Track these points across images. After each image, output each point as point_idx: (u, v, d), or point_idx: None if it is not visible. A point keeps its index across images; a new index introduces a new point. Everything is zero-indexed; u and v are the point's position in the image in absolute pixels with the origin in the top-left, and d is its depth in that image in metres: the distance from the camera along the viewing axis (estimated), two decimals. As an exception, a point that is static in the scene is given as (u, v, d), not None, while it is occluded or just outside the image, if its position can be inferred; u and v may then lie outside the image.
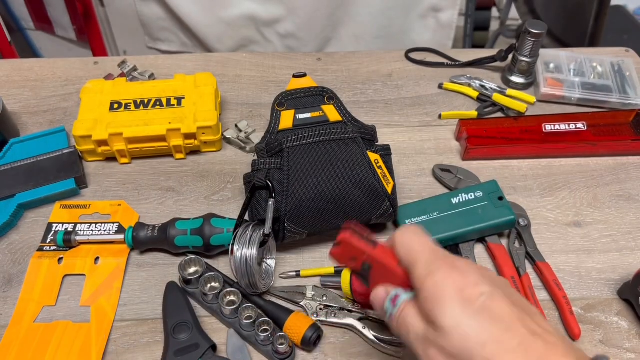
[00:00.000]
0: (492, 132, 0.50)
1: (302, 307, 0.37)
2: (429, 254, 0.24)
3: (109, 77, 0.55)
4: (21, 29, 0.85)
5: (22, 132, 0.51)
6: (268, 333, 0.35)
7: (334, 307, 0.37)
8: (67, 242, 0.40)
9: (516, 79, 0.57)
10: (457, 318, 0.21)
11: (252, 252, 0.36)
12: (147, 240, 0.39)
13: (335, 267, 0.39)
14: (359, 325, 0.36)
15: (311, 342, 0.34)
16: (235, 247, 0.37)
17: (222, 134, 0.50)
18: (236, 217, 0.39)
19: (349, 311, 0.37)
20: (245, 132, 0.50)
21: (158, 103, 0.49)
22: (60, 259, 0.40)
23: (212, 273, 0.38)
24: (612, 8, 0.74)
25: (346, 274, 0.37)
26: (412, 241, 0.25)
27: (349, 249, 0.27)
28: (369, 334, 0.35)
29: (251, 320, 0.35)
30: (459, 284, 0.22)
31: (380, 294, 0.26)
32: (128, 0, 0.70)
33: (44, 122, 0.52)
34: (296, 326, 0.35)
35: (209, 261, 0.40)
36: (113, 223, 0.42)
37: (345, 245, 0.27)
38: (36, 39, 0.86)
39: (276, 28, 0.69)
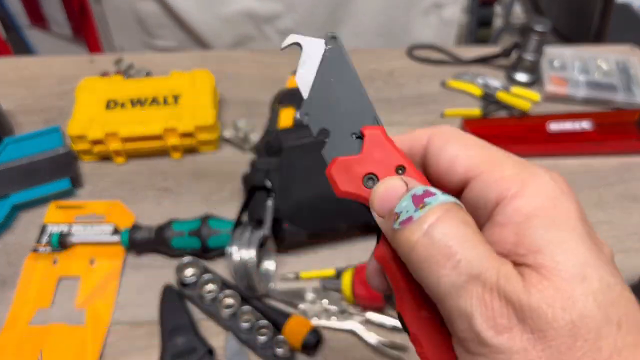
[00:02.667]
0: (496, 131, 0.49)
1: (301, 310, 0.37)
2: (506, 154, 0.15)
3: (104, 74, 0.54)
4: (16, 27, 0.84)
5: (17, 132, 0.50)
6: (267, 337, 0.34)
7: (334, 310, 0.36)
8: (62, 244, 0.39)
9: (520, 76, 0.56)
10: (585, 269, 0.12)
11: (250, 254, 0.35)
12: (143, 242, 0.39)
13: (336, 269, 0.38)
14: (360, 328, 0.35)
15: (311, 346, 0.34)
16: (234, 249, 0.36)
17: (220, 133, 0.49)
18: (234, 218, 0.38)
19: (350, 314, 0.36)
20: (244, 131, 0.49)
21: (155, 101, 0.48)
22: (55, 261, 0.39)
23: (210, 275, 0.37)
24: (617, 5, 0.73)
25: (347, 276, 0.36)
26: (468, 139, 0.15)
27: (374, 157, 0.16)
28: (371, 338, 0.35)
29: (250, 324, 0.35)
30: (577, 206, 0.13)
31: (396, 184, 0.15)
32: (125, -3, 0.70)
33: (39, 121, 0.51)
34: (296, 330, 0.34)
35: (207, 263, 0.39)
36: (109, 224, 0.41)
37: (374, 147, 0.16)
38: (31, 36, 0.85)
39: (275, 24, 0.68)
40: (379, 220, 0.15)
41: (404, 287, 0.15)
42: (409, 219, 0.14)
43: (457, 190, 0.15)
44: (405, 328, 0.15)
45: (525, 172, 0.14)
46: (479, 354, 0.12)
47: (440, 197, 0.14)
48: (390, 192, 0.15)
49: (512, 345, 0.12)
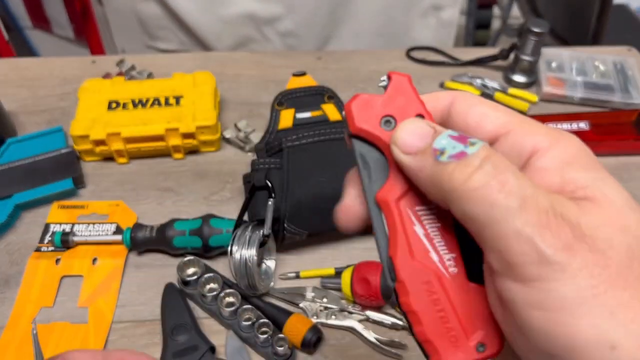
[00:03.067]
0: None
1: (301, 308, 0.37)
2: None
3: (107, 76, 0.54)
4: (18, 28, 0.84)
5: (20, 132, 0.50)
6: (267, 335, 0.34)
7: (334, 308, 0.37)
8: (65, 243, 0.40)
9: (518, 77, 0.56)
10: None
11: (251, 253, 0.36)
12: (145, 241, 0.39)
13: (335, 268, 0.39)
14: (359, 327, 0.36)
15: (311, 344, 0.34)
16: (235, 248, 0.36)
17: (221, 134, 0.49)
18: (235, 218, 0.39)
19: (350, 313, 0.36)
20: (245, 132, 0.49)
21: (156, 102, 0.49)
22: (57, 260, 0.39)
23: (211, 274, 0.38)
24: (614, 7, 0.74)
25: (346, 275, 0.37)
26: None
27: (396, 101, 0.16)
28: (370, 335, 0.35)
29: (250, 322, 0.35)
30: None
31: (423, 125, 0.15)
32: (126, -1, 0.70)
33: (41, 122, 0.51)
34: (296, 328, 0.34)
35: (208, 262, 0.39)
36: (111, 223, 0.42)
37: (398, 92, 0.16)
38: (33, 37, 0.85)
39: (275, 26, 0.69)
40: (402, 156, 0.15)
41: (402, 232, 0.15)
42: (462, 153, 0.13)
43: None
44: (392, 276, 0.15)
45: (555, 131, 0.15)
46: (536, 278, 0.12)
47: (480, 140, 0.14)
48: (419, 130, 0.15)
49: (574, 262, 0.12)
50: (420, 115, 0.15)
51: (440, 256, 0.15)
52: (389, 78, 0.16)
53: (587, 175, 0.14)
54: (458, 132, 0.14)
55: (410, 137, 0.15)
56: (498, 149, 0.15)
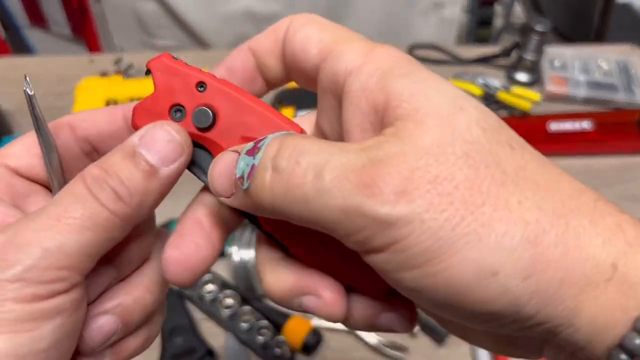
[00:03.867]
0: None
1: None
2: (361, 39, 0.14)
3: (104, 74, 0.54)
4: (15, 26, 0.83)
5: (16, 131, 0.50)
6: (267, 337, 0.34)
7: (334, 310, 0.36)
8: (62, 244, 0.39)
9: (521, 76, 0.56)
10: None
11: (250, 254, 0.35)
12: (143, 242, 0.39)
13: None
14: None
15: (311, 347, 0.34)
16: (234, 249, 0.36)
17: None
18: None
19: (350, 315, 0.36)
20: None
21: (154, 101, 0.48)
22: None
23: (210, 276, 0.37)
24: (618, 5, 0.73)
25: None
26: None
27: (169, 85, 0.14)
28: (371, 338, 0.35)
29: (250, 324, 0.35)
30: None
31: (226, 157, 0.13)
32: (125, -4, 0.70)
33: (38, 121, 0.51)
34: (296, 330, 0.34)
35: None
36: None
37: (166, 77, 0.14)
38: (30, 36, 0.85)
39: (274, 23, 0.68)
40: (227, 201, 0.13)
41: (296, 242, 0.13)
42: (252, 168, 0.12)
43: (316, 75, 0.14)
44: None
45: (369, 44, 0.13)
46: (390, 243, 0.10)
47: (271, 135, 0.12)
48: (224, 168, 0.13)
49: (415, 207, 0.10)
50: (201, 83, 0.14)
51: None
52: (149, 67, 0.14)
53: (409, 82, 0.12)
54: (254, 143, 0.12)
55: (219, 181, 0.13)
56: (322, 78, 0.14)
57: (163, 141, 0.13)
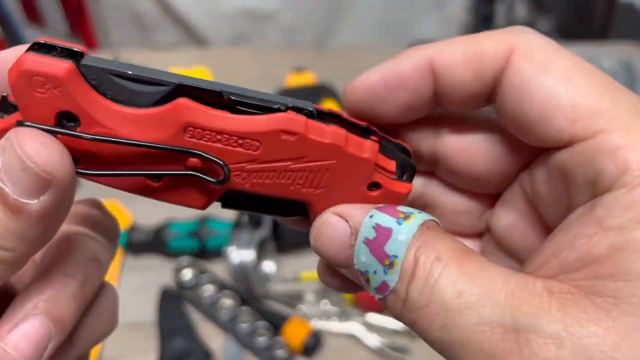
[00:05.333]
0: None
1: (301, 311, 0.36)
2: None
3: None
4: (12, 24, 0.83)
5: (13, 130, 0.49)
6: (266, 339, 0.34)
7: (334, 311, 0.36)
8: (59, 244, 0.39)
9: (522, 75, 0.55)
10: None
11: (250, 254, 0.35)
12: (141, 244, 0.38)
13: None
14: (360, 330, 0.35)
15: (311, 349, 0.33)
16: (233, 250, 0.35)
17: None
18: (233, 219, 0.38)
19: (350, 316, 0.36)
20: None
21: (152, 100, 0.47)
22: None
23: (209, 277, 0.37)
24: (620, 4, 0.72)
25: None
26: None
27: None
28: (371, 339, 0.34)
29: (249, 326, 0.34)
30: None
31: (334, 226, 0.11)
32: (122, -7, 0.69)
33: (35, 119, 0.50)
34: (295, 332, 0.34)
35: (205, 264, 0.39)
36: (106, 224, 0.41)
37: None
38: (27, 33, 0.84)
39: (274, 22, 0.68)
40: (339, 267, 0.11)
41: None
42: (384, 285, 0.10)
43: (550, 146, 0.10)
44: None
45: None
46: None
47: (403, 238, 0.10)
48: (336, 241, 0.10)
49: None
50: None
51: None
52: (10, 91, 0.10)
53: None
54: (374, 224, 0.10)
55: (329, 251, 0.11)
56: (567, 160, 0.10)
57: (17, 171, 0.10)
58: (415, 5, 0.69)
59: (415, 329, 0.10)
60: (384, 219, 0.10)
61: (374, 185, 0.11)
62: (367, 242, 0.10)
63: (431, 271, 0.09)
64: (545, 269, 0.10)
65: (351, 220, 0.10)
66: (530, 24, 0.53)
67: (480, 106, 0.11)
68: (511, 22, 0.80)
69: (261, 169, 0.11)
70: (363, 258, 0.10)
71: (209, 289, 0.37)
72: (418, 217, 0.10)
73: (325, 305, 0.36)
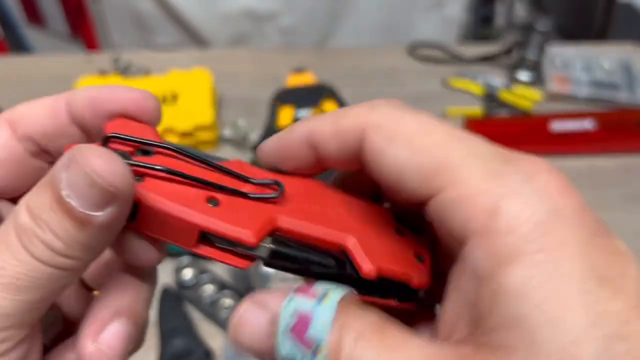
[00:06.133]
0: (498, 130, 0.49)
1: (301, 311, 0.36)
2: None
3: (102, 73, 0.53)
4: (13, 25, 0.83)
5: (14, 130, 0.49)
6: (266, 339, 0.34)
7: (334, 311, 0.36)
8: (59, 244, 0.39)
9: (522, 75, 0.55)
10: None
11: (249, 255, 0.35)
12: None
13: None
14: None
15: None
16: (233, 250, 0.35)
17: (219, 133, 0.48)
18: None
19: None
20: (243, 130, 0.48)
21: (153, 100, 0.48)
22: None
23: (209, 276, 0.37)
24: (620, 4, 0.73)
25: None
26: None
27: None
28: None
29: (249, 326, 0.34)
30: (578, 230, 0.09)
31: (248, 314, 0.11)
32: (123, -6, 0.69)
33: (36, 120, 0.50)
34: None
35: (205, 264, 0.39)
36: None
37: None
38: (28, 35, 0.84)
39: (275, 22, 0.68)
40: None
41: None
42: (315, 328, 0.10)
43: (418, 205, 0.11)
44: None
45: (498, 186, 0.09)
46: None
47: (323, 322, 0.10)
48: (253, 327, 0.10)
49: None
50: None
51: None
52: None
53: (525, 304, 0.08)
54: (294, 311, 0.10)
55: (246, 344, 0.11)
56: (431, 218, 0.11)
57: (84, 187, 0.10)
58: (414, 6, 0.69)
59: None
60: (302, 303, 0.10)
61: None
62: (290, 329, 0.10)
63: (355, 351, 0.09)
64: (456, 332, 0.10)
65: (269, 308, 0.11)
66: (530, 24, 0.53)
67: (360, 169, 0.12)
68: (511, 22, 0.80)
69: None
70: (287, 346, 0.10)
71: (209, 289, 0.37)
72: (335, 294, 0.10)
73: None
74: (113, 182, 0.10)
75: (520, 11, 0.84)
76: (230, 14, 0.66)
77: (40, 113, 0.13)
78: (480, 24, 0.77)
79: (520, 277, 0.09)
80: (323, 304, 0.10)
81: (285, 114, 0.43)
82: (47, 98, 0.13)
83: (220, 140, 0.49)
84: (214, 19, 0.67)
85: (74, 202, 0.10)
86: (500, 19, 0.80)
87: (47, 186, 0.11)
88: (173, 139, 0.46)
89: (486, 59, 0.57)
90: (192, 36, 0.69)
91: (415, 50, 0.59)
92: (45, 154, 0.13)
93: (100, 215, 0.10)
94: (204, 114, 0.47)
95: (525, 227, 0.09)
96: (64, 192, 0.10)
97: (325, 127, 0.12)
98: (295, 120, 0.42)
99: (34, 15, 0.83)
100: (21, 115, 0.13)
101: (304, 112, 0.43)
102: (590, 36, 0.74)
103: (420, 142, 0.11)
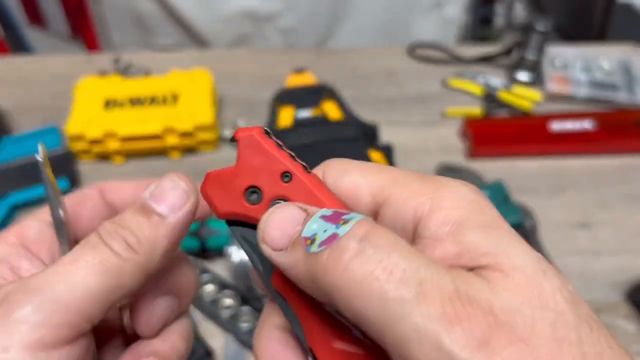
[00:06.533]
0: (498, 131, 0.49)
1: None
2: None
3: (103, 74, 0.54)
4: (13, 26, 0.83)
5: (15, 131, 0.50)
6: (267, 338, 0.34)
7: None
8: (60, 244, 0.39)
9: (522, 75, 0.55)
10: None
11: (250, 255, 0.35)
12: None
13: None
14: (360, 330, 0.35)
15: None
16: (233, 249, 0.36)
17: (219, 133, 0.48)
18: (234, 219, 0.38)
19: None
20: (244, 131, 0.48)
21: (153, 101, 0.48)
22: (53, 262, 0.39)
23: (209, 276, 0.37)
24: (619, 5, 0.73)
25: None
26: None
27: (254, 164, 0.13)
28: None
29: (249, 325, 0.34)
30: (496, 210, 0.13)
31: (292, 210, 0.12)
32: (124, -5, 0.69)
33: (37, 121, 0.50)
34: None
35: (206, 263, 0.39)
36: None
37: (253, 154, 0.13)
38: (29, 35, 0.85)
39: (275, 23, 0.68)
40: (274, 255, 0.12)
41: (314, 317, 0.12)
42: (333, 236, 0.11)
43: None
44: None
45: (433, 184, 0.12)
46: None
47: (357, 214, 0.11)
48: (287, 220, 0.12)
49: None
50: (287, 173, 0.13)
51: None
52: (236, 138, 0.13)
53: (486, 238, 0.11)
54: (332, 210, 0.12)
55: (276, 230, 0.12)
56: (383, 223, 0.13)
57: (168, 190, 0.14)
58: (414, 7, 0.69)
59: (356, 288, 0.10)
60: (338, 209, 0.12)
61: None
62: (323, 217, 0.12)
63: (387, 235, 0.11)
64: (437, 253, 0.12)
65: (308, 209, 0.12)
66: (529, 24, 0.53)
67: None
68: (510, 23, 0.80)
69: None
70: (314, 226, 0.11)
71: (209, 288, 0.37)
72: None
73: (326, 304, 0.36)
74: (191, 188, 0.14)
75: (520, 12, 0.84)
76: (231, 14, 0.66)
77: (126, 188, 0.16)
78: (480, 24, 0.78)
79: (483, 239, 0.12)
80: (357, 213, 0.12)
81: (285, 114, 0.43)
82: (135, 180, 0.17)
83: (220, 141, 0.49)
84: (215, 19, 0.67)
85: (155, 206, 0.14)
86: (499, 19, 0.81)
87: (130, 205, 0.14)
88: (173, 139, 0.46)
89: (486, 60, 0.57)
90: (193, 37, 0.69)
91: (415, 50, 0.59)
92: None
93: (173, 216, 0.14)
94: (204, 114, 0.47)
95: (464, 202, 0.12)
96: (148, 201, 0.14)
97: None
98: (295, 120, 0.43)
99: (35, 15, 0.83)
100: (111, 187, 0.16)
101: (304, 113, 0.43)
102: (589, 36, 0.74)
103: (366, 168, 0.13)
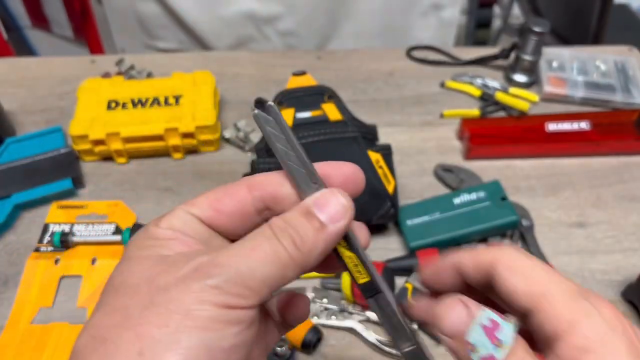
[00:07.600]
0: (495, 132, 0.50)
1: (301, 309, 0.37)
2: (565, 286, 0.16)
3: (106, 75, 0.54)
4: (17, 27, 0.84)
5: (18, 132, 0.50)
6: (267, 335, 0.34)
7: (334, 309, 0.37)
8: (64, 243, 0.39)
9: (519, 77, 0.56)
10: None
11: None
12: (144, 241, 0.39)
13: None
14: (360, 327, 0.36)
15: (311, 344, 0.34)
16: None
17: (221, 133, 0.49)
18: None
19: (350, 313, 0.36)
20: (244, 132, 0.49)
21: (156, 102, 0.48)
22: (57, 260, 0.39)
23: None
24: (615, 6, 0.74)
25: (347, 276, 0.37)
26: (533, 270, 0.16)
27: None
28: (371, 336, 0.35)
29: None
30: (626, 343, 0.15)
31: (455, 305, 0.16)
32: (126, -2, 0.70)
33: (40, 122, 0.51)
34: (296, 328, 0.34)
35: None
36: (110, 224, 0.41)
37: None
38: (33, 37, 0.85)
39: (275, 25, 0.69)
40: (442, 336, 0.16)
41: None
42: (491, 357, 0.15)
43: (522, 315, 0.16)
44: None
45: (578, 310, 0.15)
46: None
47: (509, 333, 0.15)
48: (455, 315, 0.16)
49: None
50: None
51: None
52: None
53: None
54: (490, 317, 0.15)
55: (450, 323, 0.16)
56: (530, 324, 0.16)
57: (332, 204, 0.16)
58: (412, 10, 0.70)
59: None
60: (496, 316, 0.16)
61: None
62: (482, 327, 0.15)
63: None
64: None
65: (469, 307, 0.16)
66: (526, 26, 0.54)
67: None
68: (507, 25, 0.81)
69: None
70: (477, 334, 0.15)
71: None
72: (512, 324, 0.16)
73: (325, 302, 0.37)
74: (350, 205, 0.16)
75: (517, 14, 0.85)
76: (232, 17, 0.67)
77: (274, 181, 0.17)
78: (478, 26, 0.78)
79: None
80: (508, 323, 0.15)
81: (286, 116, 0.44)
82: (277, 171, 0.17)
83: (221, 141, 0.50)
84: (216, 22, 0.67)
85: (319, 215, 0.16)
86: (497, 21, 0.81)
87: (297, 207, 0.16)
88: (175, 140, 0.47)
89: (483, 61, 0.58)
90: (195, 40, 0.70)
91: (414, 52, 0.60)
92: (267, 212, 0.17)
93: (332, 226, 0.16)
94: (206, 115, 0.47)
95: (594, 333, 0.15)
96: (312, 209, 0.16)
97: (468, 261, 0.18)
98: (296, 121, 0.43)
99: (39, 17, 0.84)
100: (258, 181, 0.17)
101: (304, 114, 0.43)
102: (585, 38, 0.75)
103: (532, 272, 0.16)
